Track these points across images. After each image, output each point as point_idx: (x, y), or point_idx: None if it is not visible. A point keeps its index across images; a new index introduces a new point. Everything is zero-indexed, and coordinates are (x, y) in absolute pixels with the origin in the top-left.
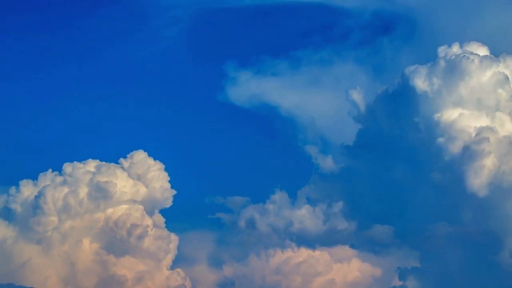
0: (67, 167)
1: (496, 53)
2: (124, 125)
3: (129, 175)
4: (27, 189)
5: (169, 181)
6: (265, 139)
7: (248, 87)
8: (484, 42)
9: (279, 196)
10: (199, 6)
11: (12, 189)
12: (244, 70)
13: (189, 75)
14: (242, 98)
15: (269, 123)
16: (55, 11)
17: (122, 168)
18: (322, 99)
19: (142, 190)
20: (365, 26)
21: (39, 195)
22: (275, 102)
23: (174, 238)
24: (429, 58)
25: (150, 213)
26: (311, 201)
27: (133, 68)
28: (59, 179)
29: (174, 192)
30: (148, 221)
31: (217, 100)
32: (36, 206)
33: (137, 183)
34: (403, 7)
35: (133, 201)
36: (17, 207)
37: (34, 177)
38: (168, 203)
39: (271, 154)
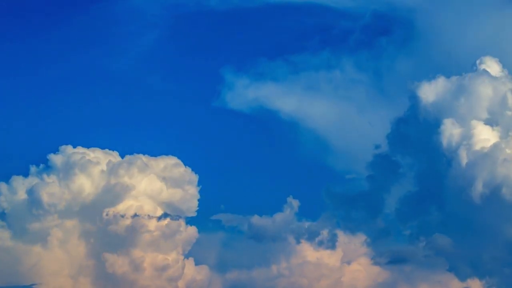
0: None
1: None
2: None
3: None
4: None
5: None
6: (267, 146)
7: (246, 93)
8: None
9: (290, 204)
10: (182, 9)
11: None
12: (240, 75)
13: (184, 81)
14: (240, 104)
15: (269, 129)
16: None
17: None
18: (322, 105)
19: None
20: (364, 28)
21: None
22: (275, 107)
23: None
24: (429, 60)
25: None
26: (322, 209)
27: (124, 75)
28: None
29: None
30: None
31: (213, 106)
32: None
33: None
34: (402, 9)
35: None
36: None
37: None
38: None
39: (274, 160)
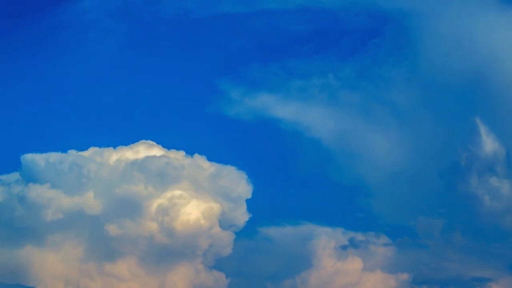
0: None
1: None
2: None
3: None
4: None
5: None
6: (268, 154)
7: (242, 100)
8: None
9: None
10: (168, 13)
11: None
12: (236, 82)
13: (178, 88)
14: (237, 112)
15: (270, 137)
16: None
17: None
18: (319, 112)
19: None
20: (360, 33)
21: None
22: (274, 116)
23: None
24: (426, 64)
25: None
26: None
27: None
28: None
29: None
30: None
31: (207, 113)
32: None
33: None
34: (397, 13)
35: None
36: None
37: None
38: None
39: (277, 168)
